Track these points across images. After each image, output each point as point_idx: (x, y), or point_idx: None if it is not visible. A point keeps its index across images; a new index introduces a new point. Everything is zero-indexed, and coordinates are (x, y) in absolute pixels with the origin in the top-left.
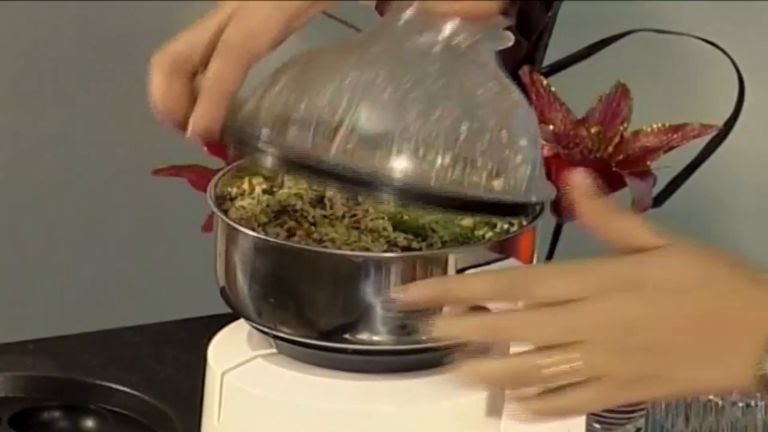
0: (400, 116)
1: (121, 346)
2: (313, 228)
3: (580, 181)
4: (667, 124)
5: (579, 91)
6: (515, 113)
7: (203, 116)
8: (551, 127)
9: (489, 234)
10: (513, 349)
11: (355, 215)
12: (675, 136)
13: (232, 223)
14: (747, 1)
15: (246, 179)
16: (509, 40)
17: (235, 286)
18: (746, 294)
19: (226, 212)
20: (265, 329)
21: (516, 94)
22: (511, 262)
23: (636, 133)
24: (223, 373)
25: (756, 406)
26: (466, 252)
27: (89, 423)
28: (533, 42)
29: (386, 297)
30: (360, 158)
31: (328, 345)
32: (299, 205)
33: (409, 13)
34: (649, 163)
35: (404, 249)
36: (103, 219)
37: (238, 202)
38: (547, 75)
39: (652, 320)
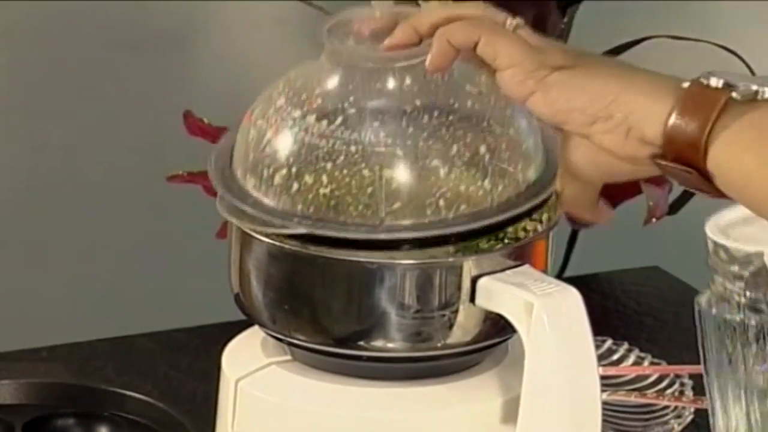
0: (425, 168)
1: (135, 353)
2: None
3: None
4: None
5: None
6: (503, 107)
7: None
8: None
9: (498, 246)
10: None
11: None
12: None
13: (246, 229)
14: (763, 7)
15: None
16: None
17: (250, 293)
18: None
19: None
20: (280, 336)
21: (487, 84)
22: (527, 269)
23: None
24: (238, 380)
25: None
26: (481, 259)
27: (103, 430)
28: None
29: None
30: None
31: (343, 352)
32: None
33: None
34: None
35: None
36: (117, 225)
37: None
38: None
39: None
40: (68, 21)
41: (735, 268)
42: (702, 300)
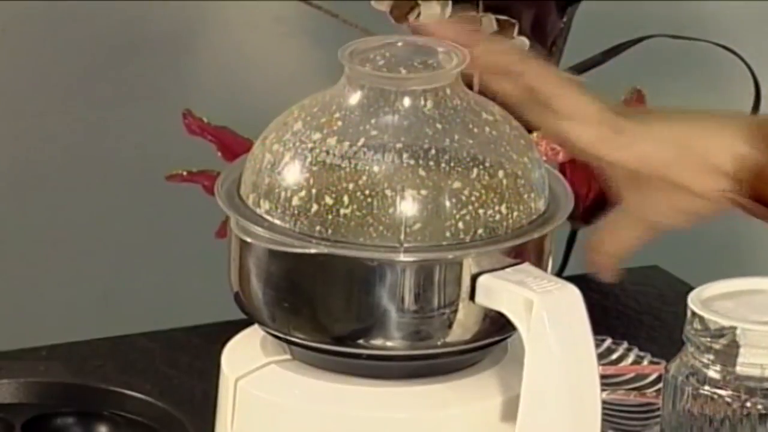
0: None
1: (135, 352)
2: None
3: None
4: None
5: None
6: (518, 136)
7: None
8: None
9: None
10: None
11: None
12: None
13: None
14: (763, 6)
15: None
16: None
17: (249, 292)
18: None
19: None
20: (279, 334)
21: (501, 113)
22: (526, 266)
23: None
24: (237, 379)
25: None
26: (481, 257)
27: (102, 429)
28: (548, 47)
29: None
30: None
31: (343, 350)
32: None
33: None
34: None
35: None
36: (116, 225)
37: None
38: None
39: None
40: (67, 21)
41: (707, 340)
42: (672, 366)
